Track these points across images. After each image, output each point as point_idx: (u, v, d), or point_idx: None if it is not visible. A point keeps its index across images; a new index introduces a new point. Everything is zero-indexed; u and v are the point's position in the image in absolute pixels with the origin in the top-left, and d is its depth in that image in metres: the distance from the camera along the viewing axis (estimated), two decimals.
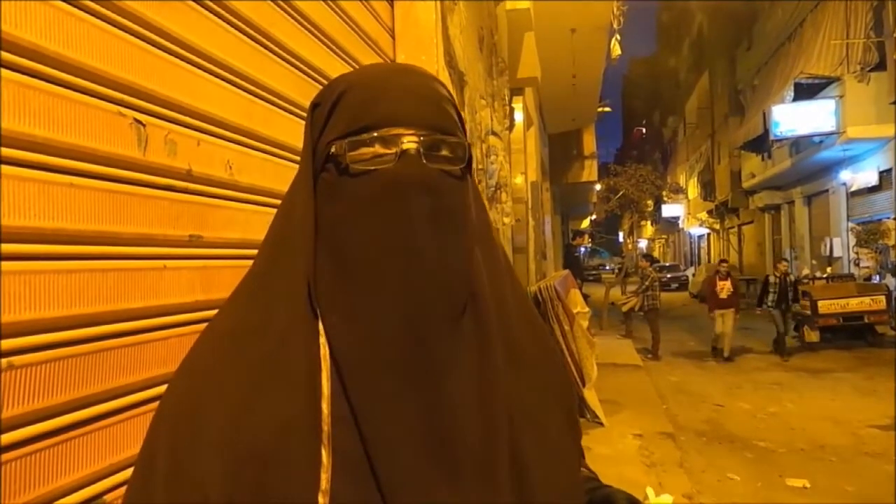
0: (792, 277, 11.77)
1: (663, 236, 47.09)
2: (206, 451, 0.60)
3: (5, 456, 0.87)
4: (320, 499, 0.58)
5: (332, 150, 0.65)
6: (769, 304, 11.05)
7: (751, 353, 11.40)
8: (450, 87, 3.20)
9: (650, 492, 0.80)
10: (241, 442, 0.60)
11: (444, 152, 0.66)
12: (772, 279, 11.21)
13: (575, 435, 0.77)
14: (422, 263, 0.62)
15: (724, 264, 11.47)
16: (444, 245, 0.64)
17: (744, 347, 11.65)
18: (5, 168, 0.89)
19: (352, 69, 2.18)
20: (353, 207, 0.64)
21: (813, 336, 11.16)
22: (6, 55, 0.90)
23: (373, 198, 0.63)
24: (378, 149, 0.64)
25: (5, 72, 0.90)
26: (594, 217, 34.63)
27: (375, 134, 0.64)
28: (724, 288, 10.91)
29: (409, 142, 0.64)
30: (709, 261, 30.62)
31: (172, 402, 0.67)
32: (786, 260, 12.52)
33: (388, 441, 0.60)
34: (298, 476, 0.58)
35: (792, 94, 15.31)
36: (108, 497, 1.05)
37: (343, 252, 0.64)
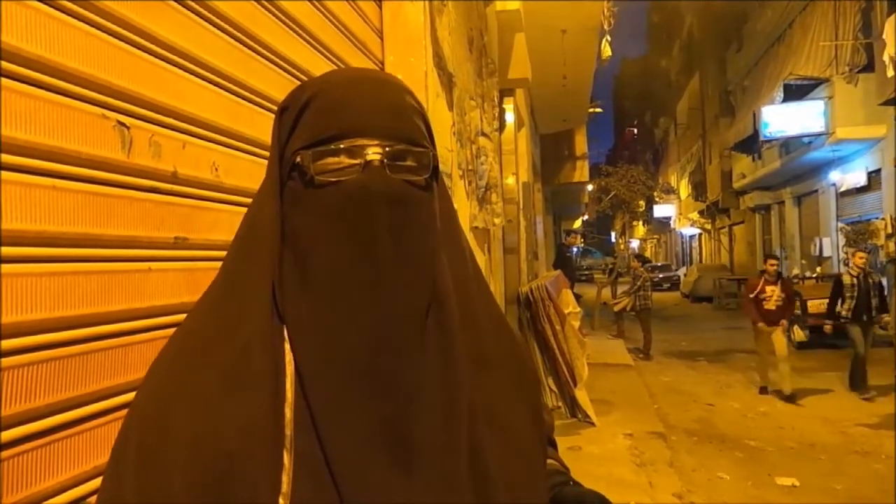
0: (877, 277, 8.41)
1: (655, 236, 47.26)
2: (172, 454, 0.61)
3: None
4: (281, 501, 0.59)
5: (298, 159, 0.66)
6: (845, 314, 7.86)
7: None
8: (439, 88, 3.20)
9: None
10: (206, 444, 0.61)
11: (409, 162, 0.67)
12: (846, 280, 8.00)
13: (540, 432, 0.78)
14: (383, 274, 0.63)
15: (774, 262, 8.27)
16: (407, 255, 0.65)
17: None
18: None
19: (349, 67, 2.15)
20: (317, 218, 0.65)
21: (802, 335, 11.24)
22: None
23: (337, 209, 0.64)
24: (343, 160, 0.65)
25: None
26: (586, 217, 34.75)
27: (341, 145, 0.65)
28: (774, 295, 7.88)
29: (374, 153, 0.64)
30: (700, 260, 30.76)
31: (141, 404, 0.68)
32: (865, 251, 8.95)
33: (345, 445, 0.61)
34: (260, 478, 0.59)
35: (781, 95, 15.40)
36: (91, 500, 1.05)
37: (307, 261, 0.65)
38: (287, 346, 0.64)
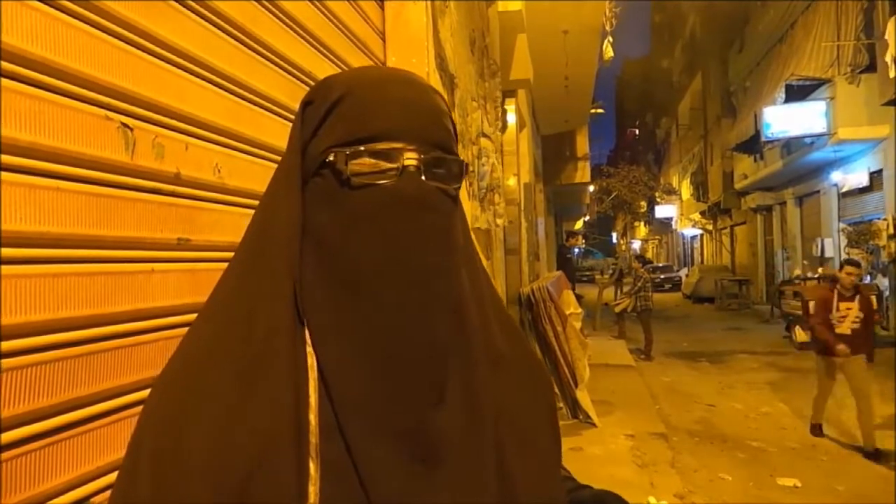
0: None
1: (656, 237, 47.19)
2: (190, 463, 0.58)
3: None
4: None
5: (331, 157, 0.64)
6: None
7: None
8: (440, 89, 3.20)
9: (653, 500, 0.81)
10: (227, 454, 0.58)
11: (443, 170, 0.66)
12: None
13: (555, 433, 0.78)
14: (415, 281, 0.63)
15: (853, 270, 5.94)
16: (437, 262, 0.64)
17: None
18: None
19: (340, 72, 2.17)
20: (349, 219, 0.64)
21: (804, 336, 11.21)
22: None
23: (372, 212, 0.63)
24: (379, 163, 0.64)
25: None
26: (587, 218, 34.72)
27: (378, 147, 0.64)
28: (850, 315, 5.81)
29: (410, 158, 0.64)
30: (702, 261, 30.73)
31: (155, 413, 0.64)
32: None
33: (373, 451, 0.59)
34: (286, 489, 0.57)
35: (783, 95, 15.39)
36: (95, 500, 1.05)
37: (336, 261, 0.63)
38: (309, 349, 0.62)
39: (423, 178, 0.64)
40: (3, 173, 0.91)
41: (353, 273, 0.63)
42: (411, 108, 0.66)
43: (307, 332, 0.63)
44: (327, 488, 0.58)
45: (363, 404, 0.60)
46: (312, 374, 0.61)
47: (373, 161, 0.64)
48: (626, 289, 13.20)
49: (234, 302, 0.66)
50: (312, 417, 0.60)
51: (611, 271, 21.46)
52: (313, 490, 0.58)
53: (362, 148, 0.63)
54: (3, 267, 0.91)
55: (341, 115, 0.66)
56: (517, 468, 0.66)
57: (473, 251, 0.76)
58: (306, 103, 0.70)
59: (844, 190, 14.99)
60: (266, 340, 0.61)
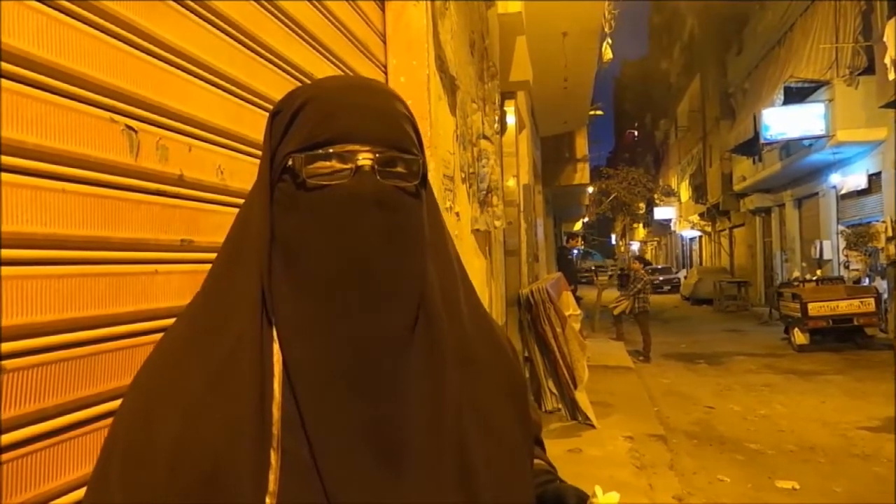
0: None
1: (655, 239, 47.19)
2: (158, 456, 0.62)
3: None
4: (268, 500, 0.60)
5: (290, 162, 0.67)
6: None
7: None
8: (441, 91, 3.21)
9: (598, 490, 0.82)
10: (192, 444, 0.61)
11: (399, 169, 0.68)
12: None
13: (526, 431, 0.79)
14: (373, 279, 0.65)
15: None
16: (396, 261, 0.66)
17: None
18: None
19: (341, 74, 2.17)
20: (307, 221, 0.66)
21: (803, 338, 11.24)
22: None
23: (327, 213, 0.66)
24: (334, 164, 0.66)
25: None
26: (586, 219, 34.72)
27: (332, 150, 0.66)
28: None
29: (365, 158, 0.66)
30: (700, 263, 30.73)
31: (127, 408, 0.68)
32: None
33: (332, 444, 0.62)
34: (247, 478, 0.60)
35: (782, 97, 15.42)
36: None
37: (297, 263, 0.66)
38: (276, 347, 0.65)
39: (378, 177, 0.66)
40: (11, 175, 0.92)
41: (311, 273, 0.65)
42: (369, 111, 0.69)
43: (275, 332, 0.66)
44: (287, 477, 0.61)
45: (323, 400, 0.63)
46: (278, 370, 0.64)
47: (328, 163, 0.66)
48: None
49: (207, 307, 0.70)
50: (276, 411, 0.63)
51: (609, 273, 21.37)
52: (273, 478, 0.60)
53: (319, 151, 0.66)
54: (10, 268, 0.92)
55: (302, 121, 0.68)
56: (482, 467, 0.68)
57: (446, 249, 0.77)
58: (274, 113, 0.73)
59: (843, 192, 15.02)
60: (236, 340, 0.65)
